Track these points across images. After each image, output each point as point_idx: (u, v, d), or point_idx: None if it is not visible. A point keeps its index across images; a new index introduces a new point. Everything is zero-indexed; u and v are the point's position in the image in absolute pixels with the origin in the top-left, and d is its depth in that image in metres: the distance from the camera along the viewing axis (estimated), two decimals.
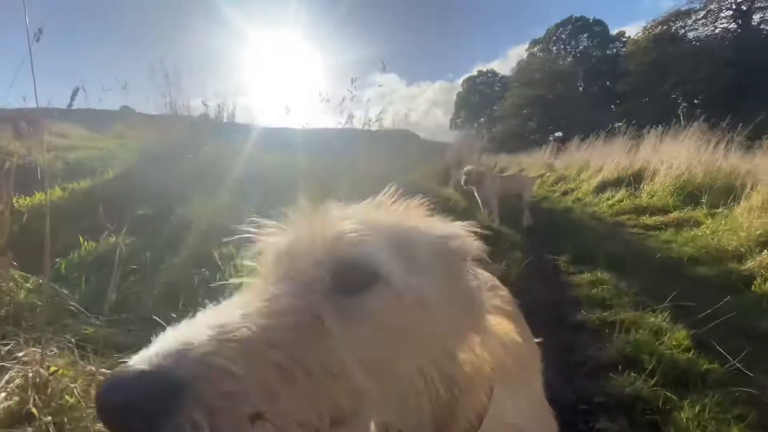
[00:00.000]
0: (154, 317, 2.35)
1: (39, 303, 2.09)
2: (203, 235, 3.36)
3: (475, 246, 0.58)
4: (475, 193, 5.47)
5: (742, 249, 3.45)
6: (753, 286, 2.80)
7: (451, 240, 0.56)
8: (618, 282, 3.14)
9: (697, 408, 1.73)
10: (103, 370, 1.19)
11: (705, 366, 2.00)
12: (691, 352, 2.12)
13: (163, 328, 0.42)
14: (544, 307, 2.98)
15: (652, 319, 2.48)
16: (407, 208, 0.62)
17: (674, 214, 5.09)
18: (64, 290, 2.32)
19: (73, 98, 2.37)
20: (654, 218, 5.16)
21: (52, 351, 1.14)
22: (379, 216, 0.55)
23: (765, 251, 3.20)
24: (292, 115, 6.33)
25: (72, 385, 1.03)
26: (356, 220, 0.50)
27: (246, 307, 0.40)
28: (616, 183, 7.29)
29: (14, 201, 3.95)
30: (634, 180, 6.84)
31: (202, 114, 7.27)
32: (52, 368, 1.05)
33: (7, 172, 2.48)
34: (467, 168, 5.60)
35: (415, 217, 0.60)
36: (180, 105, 5.80)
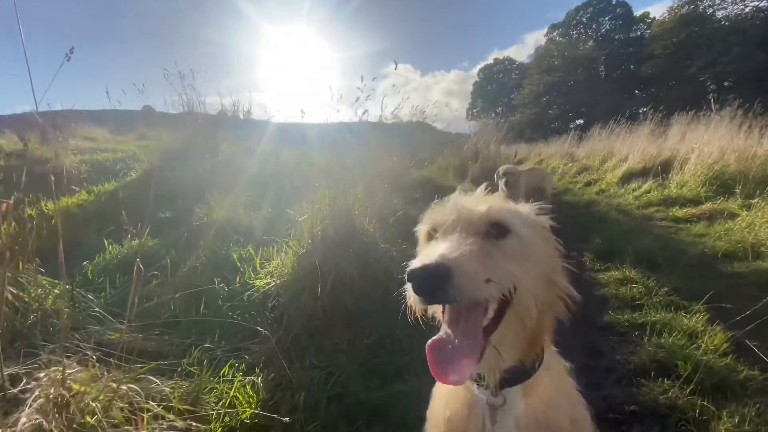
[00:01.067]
0: (177, 321, 2.40)
1: (66, 309, 2.14)
2: (222, 235, 3.39)
3: (545, 219, 0.86)
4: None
5: None
6: None
7: (533, 215, 0.85)
8: (647, 280, 3.01)
9: (737, 418, 1.63)
10: (124, 387, 1.19)
11: (744, 372, 1.89)
12: (729, 357, 2.00)
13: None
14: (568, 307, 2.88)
15: (686, 320, 2.36)
16: (498, 196, 0.90)
17: (706, 206, 4.84)
18: (90, 295, 2.37)
19: None
20: (684, 210, 4.92)
21: (73, 368, 1.14)
22: (495, 199, 0.85)
23: None
24: (307, 111, 6.29)
25: (93, 404, 1.04)
26: (491, 200, 0.82)
27: (448, 249, 0.68)
28: (643, 173, 7.00)
29: (43, 205, 4.08)
30: (662, 170, 6.55)
31: (219, 112, 7.37)
32: (74, 387, 1.06)
33: (38, 177, 2.54)
34: (506, 168, 5.10)
35: (504, 200, 0.87)
36: (197, 103, 5.85)
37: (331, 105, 6.20)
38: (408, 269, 0.65)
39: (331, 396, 1.75)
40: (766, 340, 2.22)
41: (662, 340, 2.17)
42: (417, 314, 0.77)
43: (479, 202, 0.81)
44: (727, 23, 28.58)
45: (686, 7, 30.37)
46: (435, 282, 0.63)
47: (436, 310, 0.80)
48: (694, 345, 2.10)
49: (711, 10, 29.69)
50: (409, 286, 0.67)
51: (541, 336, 0.80)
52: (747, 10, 28.36)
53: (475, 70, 54.64)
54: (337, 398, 1.75)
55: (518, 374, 0.79)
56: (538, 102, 41.04)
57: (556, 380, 0.85)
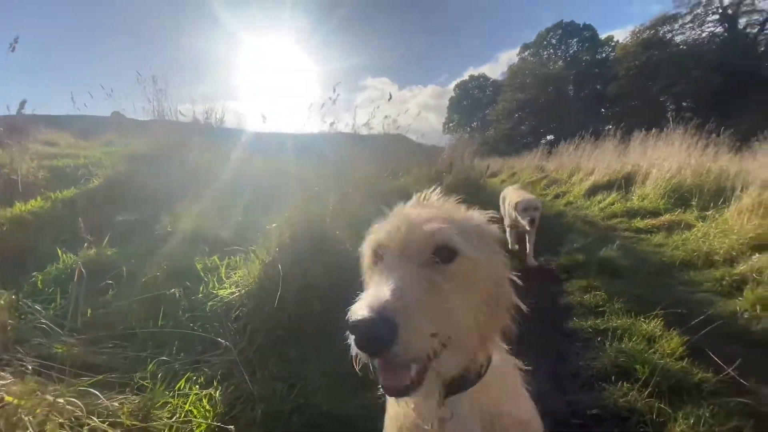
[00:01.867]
0: (133, 333, 2.27)
1: (10, 321, 1.99)
2: (187, 244, 3.28)
3: (495, 229, 0.85)
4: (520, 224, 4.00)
5: (734, 252, 3.43)
6: (745, 290, 2.77)
7: (484, 226, 0.84)
8: (610, 288, 3.10)
9: (692, 420, 1.68)
10: (61, 401, 1.10)
11: (699, 375, 1.96)
12: (685, 361, 2.08)
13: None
14: (536, 315, 2.93)
15: (645, 326, 2.44)
16: (450, 203, 0.90)
17: (665, 217, 5.08)
18: (37, 306, 2.22)
19: None
20: (645, 221, 5.16)
21: (7, 380, 1.05)
22: (445, 210, 0.83)
23: (757, 255, 3.18)
24: (283, 120, 6.27)
25: (27, 418, 0.95)
26: (436, 216, 0.78)
27: (392, 283, 0.65)
28: (607, 186, 7.30)
29: None
30: (625, 183, 6.86)
31: (192, 119, 7.20)
32: (8, 399, 0.97)
33: None
34: (527, 202, 3.92)
35: (457, 209, 0.87)
36: (168, 110, 5.70)
37: (308, 115, 6.21)
38: (351, 319, 0.61)
39: (293, 407, 1.69)
40: (719, 344, 2.32)
41: (623, 345, 2.23)
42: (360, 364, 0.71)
43: (426, 218, 0.77)
44: (685, 47, 30.59)
45: (647, 31, 32.36)
46: (379, 344, 0.60)
47: None
48: (652, 349, 2.17)
49: (670, 35, 31.74)
50: (351, 337, 0.63)
51: (485, 347, 0.79)
52: (704, 35, 30.48)
53: (452, 85, 56.14)
54: (300, 410, 1.69)
55: (463, 382, 0.78)
56: (511, 118, 42.41)
57: (503, 384, 0.85)
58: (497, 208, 6.83)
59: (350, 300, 0.70)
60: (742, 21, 29.33)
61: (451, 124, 51.98)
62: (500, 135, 41.79)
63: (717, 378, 1.95)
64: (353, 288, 2.41)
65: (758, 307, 2.58)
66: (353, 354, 0.67)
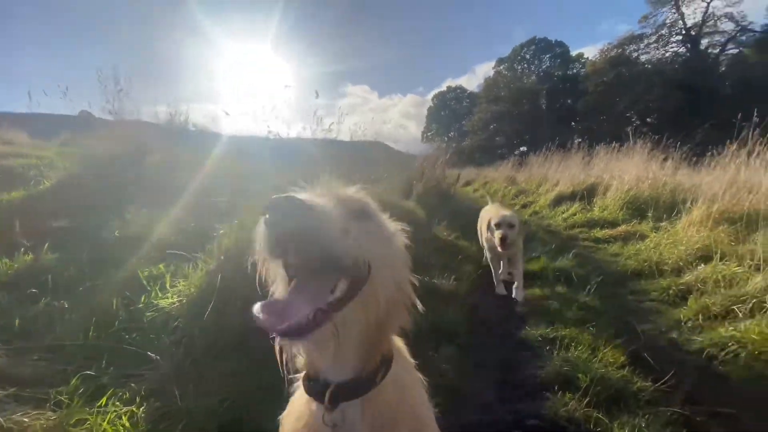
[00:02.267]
0: (62, 346, 2.12)
1: None
2: (134, 250, 3.12)
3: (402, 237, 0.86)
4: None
5: (681, 263, 3.57)
6: (689, 300, 2.88)
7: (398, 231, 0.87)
8: (564, 297, 3.16)
9: (627, 429, 1.70)
10: None
11: (638, 384, 2.00)
12: (627, 369, 2.12)
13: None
14: (492, 323, 2.95)
15: (591, 335, 2.48)
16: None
17: (622, 228, 5.27)
18: None
19: None
20: (604, 231, 5.33)
21: None
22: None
23: (702, 265, 3.32)
24: (260, 124, 6.16)
25: None
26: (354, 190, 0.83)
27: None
28: (571, 197, 7.52)
29: None
30: (588, 194, 7.09)
31: (166, 121, 6.96)
32: None
33: None
34: (502, 217, 3.39)
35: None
36: (130, 111, 5.48)
37: (287, 121, 6.16)
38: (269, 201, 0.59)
39: (223, 424, 1.60)
40: (661, 353, 2.39)
41: (569, 354, 2.25)
42: (262, 274, 0.73)
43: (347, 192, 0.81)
44: (649, 66, 32.26)
45: (615, 50, 33.97)
46: (296, 212, 0.57)
47: (277, 277, 0.74)
48: (596, 358, 2.20)
49: (636, 54, 33.42)
50: (261, 224, 0.61)
51: (382, 342, 0.77)
52: (667, 55, 32.23)
53: (430, 95, 57.02)
54: (231, 426, 1.61)
55: (357, 387, 0.74)
56: (487, 129, 43.41)
57: (401, 393, 0.81)
58: (465, 215, 6.92)
59: None
60: (704, 42, 31.23)
61: (429, 134, 52.74)
62: (476, 145, 42.69)
63: (655, 387, 1.99)
64: None
65: (700, 317, 2.67)
66: (255, 258, 0.69)
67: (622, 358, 2.21)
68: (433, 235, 4.66)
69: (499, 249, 3.31)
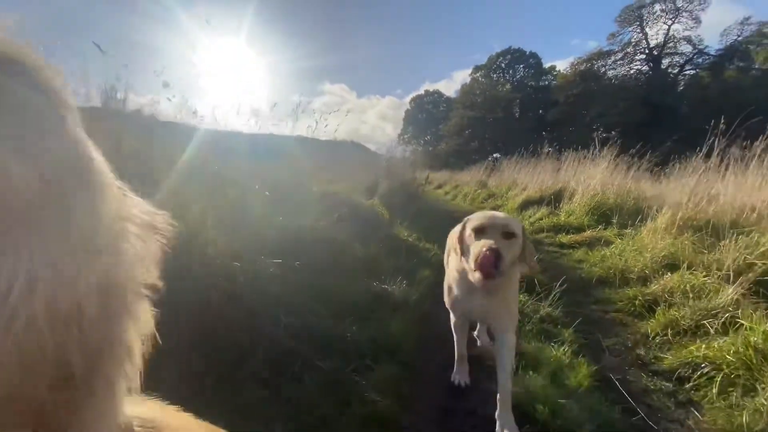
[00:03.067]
0: None
1: None
2: None
3: None
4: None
5: (647, 271, 3.37)
6: (657, 312, 2.64)
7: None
8: (526, 306, 2.86)
9: None
10: None
11: (604, 415, 1.69)
12: (591, 397, 1.81)
13: None
14: (443, 338, 2.60)
15: (554, 352, 2.17)
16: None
17: (587, 233, 5.11)
18: None
19: None
20: (569, 236, 5.14)
21: None
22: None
23: (669, 274, 3.12)
24: (234, 118, 5.66)
25: None
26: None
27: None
28: (539, 201, 7.39)
29: None
30: (555, 199, 6.96)
31: (134, 110, 6.28)
32: None
33: None
34: (500, 217, 1.65)
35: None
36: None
37: (263, 116, 5.69)
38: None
39: None
40: (628, 373, 2.10)
41: (526, 378, 1.92)
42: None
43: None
44: (615, 81, 33.61)
45: (584, 64, 35.16)
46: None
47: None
48: (557, 383, 1.88)
49: (604, 69, 34.74)
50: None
51: None
52: (632, 71, 33.73)
53: (408, 98, 57.18)
54: None
55: None
56: (462, 134, 43.90)
57: None
58: (430, 215, 6.60)
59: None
60: (665, 61, 32.91)
61: (405, 136, 52.78)
62: (451, 150, 43.05)
63: (623, 417, 1.69)
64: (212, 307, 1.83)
65: (669, 331, 2.42)
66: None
67: (587, 382, 1.90)
68: (391, 235, 4.29)
69: (476, 278, 1.52)
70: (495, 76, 45.74)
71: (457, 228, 1.73)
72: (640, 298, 2.91)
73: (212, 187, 3.42)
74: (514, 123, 40.54)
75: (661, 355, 2.26)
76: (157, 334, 0.32)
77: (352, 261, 3.25)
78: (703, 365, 2.04)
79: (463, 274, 1.69)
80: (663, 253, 3.56)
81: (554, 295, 2.94)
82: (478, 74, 47.02)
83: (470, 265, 1.54)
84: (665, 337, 2.41)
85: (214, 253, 2.21)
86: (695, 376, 2.02)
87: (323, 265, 2.96)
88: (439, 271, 3.68)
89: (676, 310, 2.56)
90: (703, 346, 2.16)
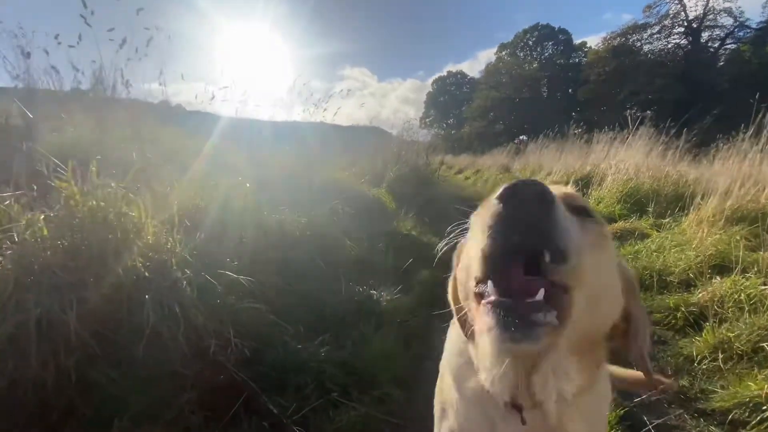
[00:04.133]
0: None
1: None
2: None
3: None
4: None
5: (691, 273, 2.83)
6: (705, 329, 2.13)
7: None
8: None
9: None
10: None
11: None
12: None
13: None
14: (434, 365, 2.20)
15: None
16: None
17: (619, 224, 4.51)
18: None
19: None
20: None
21: None
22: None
23: (717, 278, 2.57)
24: (257, 105, 5.48)
25: None
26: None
27: None
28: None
29: None
30: (583, 184, 6.32)
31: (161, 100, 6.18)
32: None
33: None
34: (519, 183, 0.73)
35: None
36: (40, 73, 4.54)
37: (285, 103, 5.48)
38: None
39: None
40: (668, 412, 1.64)
41: None
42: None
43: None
44: (652, 57, 31.25)
45: (618, 39, 32.79)
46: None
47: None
48: None
49: (639, 44, 32.32)
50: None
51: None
52: (669, 46, 31.26)
53: (430, 80, 55.65)
54: None
55: None
56: (486, 116, 42.40)
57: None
58: (441, 204, 6.10)
59: None
60: (705, 35, 30.29)
61: (427, 119, 51.57)
62: (474, 132, 41.75)
63: None
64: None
65: (720, 355, 1.93)
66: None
67: (615, 423, 1.47)
68: (392, 229, 3.89)
69: (488, 336, 0.53)
70: (522, 54, 43.63)
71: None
72: (683, 308, 2.39)
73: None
74: (541, 103, 38.66)
75: (710, 388, 1.78)
76: None
77: (341, 260, 2.88)
78: (765, 407, 1.56)
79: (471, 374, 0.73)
80: (710, 251, 2.99)
81: None
82: (503, 53, 44.99)
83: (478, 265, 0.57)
84: (714, 363, 1.92)
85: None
86: (753, 421, 1.55)
87: (304, 266, 2.61)
88: (442, 270, 3.27)
89: (728, 328, 2.05)
90: (761, 377, 1.67)
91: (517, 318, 0.49)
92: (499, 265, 0.54)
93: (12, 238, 1.60)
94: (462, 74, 53.14)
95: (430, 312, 2.66)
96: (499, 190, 0.55)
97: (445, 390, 0.84)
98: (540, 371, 0.60)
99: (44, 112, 4.48)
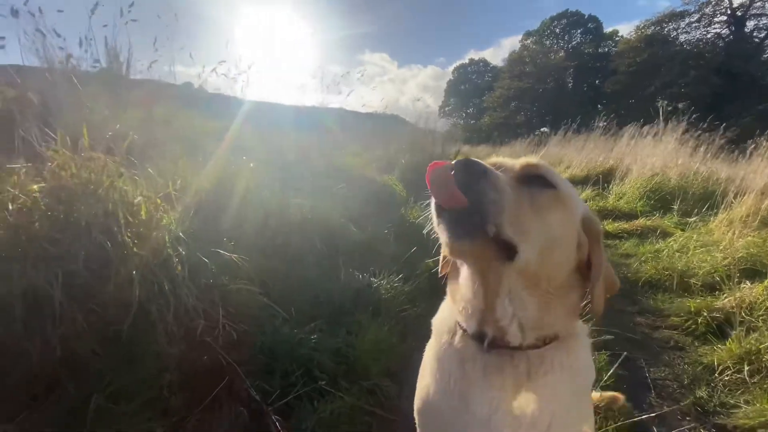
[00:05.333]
0: None
1: None
2: None
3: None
4: None
5: (716, 276, 2.63)
6: (729, 337, 1.96)
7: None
8: None
9: None
10: None
11: None
12: None
13: None
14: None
15: None
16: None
17: (640, 221, 4.27)
18: None
19: None
20: (616, 224, 4.33)
21: None
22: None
23: (748, 283, 2.37)
24: (276, 90, 5.49)
25: None
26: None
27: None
28: (584, 180, 6.48)
29: None
30: (604, 179, 6.04)
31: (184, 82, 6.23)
32: None
33: None
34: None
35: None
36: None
37: (304, 88, 5.44)
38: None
39: None
40: (682, 425, 1.51)
41: None
42: None
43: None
44: (688, 47, 29.62)
45: (653, 27, 31.17)
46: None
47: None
48: None
49: (675, 33, 30.65)
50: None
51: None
52: (709, 36, 29.51)
53: (451, 67, 54.49)
54: None
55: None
56: (507, 106, 41.38)
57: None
58: None
59: None
60: (750, 24, 28.39)
61: (447, 108, 50.66)
62: (494, 123, 40.84)
63: None
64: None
65: (745, 367, 1.77)
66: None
67: None
68: (400, 217, 3.78)
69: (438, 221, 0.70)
70: (548, 42, 42.14)
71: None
72: (705, 313, 2.22)
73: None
74: (566, 94, 37.39)
75: (732, 402, 1.63)
76: None
77: (343, 246, 2.79)
78: None
79: (451, 330, 0.86)
80: (740, 254, 2.78)
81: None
82: (529, 40, 43.54)
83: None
84: (739, 375, 1.76)
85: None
86: None
87: (304, 250, 2.53)
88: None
89: (756, 338, 1.88)
90: None
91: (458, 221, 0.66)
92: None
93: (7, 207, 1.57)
94: (484, 62, 51.83)
95: (430, 303, 2.57)
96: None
97: (425, 356, 0.94)
98: (500, 296, 0.74)
99: (61, 90, 4.51)
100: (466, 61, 52.47)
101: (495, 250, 0.67)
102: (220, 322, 1.64)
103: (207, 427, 1.28)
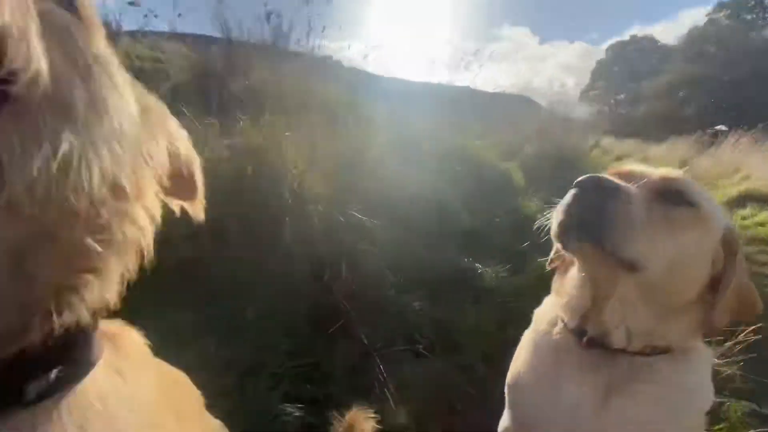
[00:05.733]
0: None
1: None
2: None
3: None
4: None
5: None
6: None
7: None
8: None
9: None
10: None
11: None
12: None
13: None
14: None
15: None
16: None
17: None
18: None
19: None
20: None
21: None
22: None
23: None
24: (405, 67, 5.90)
25: None
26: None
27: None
28: (764, 198, 5.22)
29: None
30: None
31: (322, 56, 7.05)
32: None
33: None
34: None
35: None
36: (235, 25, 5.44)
37: (432, 65, 5.74)
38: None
39: None
40: None
41: None
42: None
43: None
44: None
45: None
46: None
47: None
48: None
49: None
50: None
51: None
52: None
53: (605, 45, 47.28)
54: None
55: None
56: (674, 95, 34.44)
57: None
58: None
59: None
60: None
61: (592, 92, 44.66)
62: (651, 114, 34.56)
63: None
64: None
65: None
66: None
67: None
68: (514, 207, 3.68)
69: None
70: (749, 17, 33.24)
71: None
72: None
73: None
74: (761, 86, 29.32)
75: None
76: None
77: (452, 227, 2.89)
78: None
79: (552, 321, 0.87)
80: None
81: (741, 344, 1.90)
82: (721, 14, 34.98)
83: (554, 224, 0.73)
84: None
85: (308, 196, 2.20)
86: None
87: (417, 225, 2.72)
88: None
89: None
90: None
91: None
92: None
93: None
94: (651, 39, 43.46)
95: (535, 299, 2.52)
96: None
97: (523, 339, 0.98)
98: (611, 299, 0.73)
99: (236, 59, 5.46)
100: (627, 38, 44.78)
101: (615, 260, 0.67)
102: (342, 274, 1.94)
103: (328, 351, 1.59)
